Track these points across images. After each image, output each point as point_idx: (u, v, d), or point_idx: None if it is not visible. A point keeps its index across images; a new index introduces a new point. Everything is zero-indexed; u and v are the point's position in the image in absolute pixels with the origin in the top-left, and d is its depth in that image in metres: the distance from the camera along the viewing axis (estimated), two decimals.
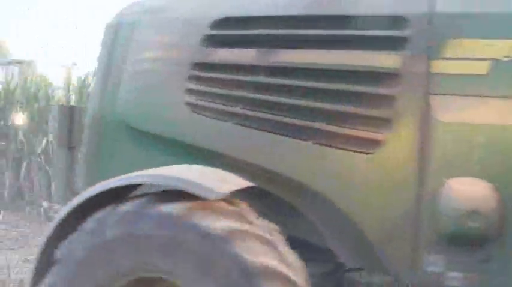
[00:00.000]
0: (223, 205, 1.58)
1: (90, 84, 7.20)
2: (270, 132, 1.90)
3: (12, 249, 4.92)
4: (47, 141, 6.60)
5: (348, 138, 1.81)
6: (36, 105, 6.90)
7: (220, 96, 1.98)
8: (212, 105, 1.99)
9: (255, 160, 1.92)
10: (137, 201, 1.58)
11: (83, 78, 7.30)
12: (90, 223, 1.58)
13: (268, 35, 1.95)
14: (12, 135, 6.80)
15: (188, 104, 2.02)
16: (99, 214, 1.59)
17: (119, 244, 1.53)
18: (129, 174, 1.69)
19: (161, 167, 1.74)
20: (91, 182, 2.18)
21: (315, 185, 1.84)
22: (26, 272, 4.34)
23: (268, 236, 1.55)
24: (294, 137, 1.87)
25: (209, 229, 1.47)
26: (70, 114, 2.36)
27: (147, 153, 2.11)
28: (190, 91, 2.02)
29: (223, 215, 1.53)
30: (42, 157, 6.59)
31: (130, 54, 2.16)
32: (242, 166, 1.88)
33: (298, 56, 1.90)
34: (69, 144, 2.34)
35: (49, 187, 6.52)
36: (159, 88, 2.10)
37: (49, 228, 1.69)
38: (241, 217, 1.56)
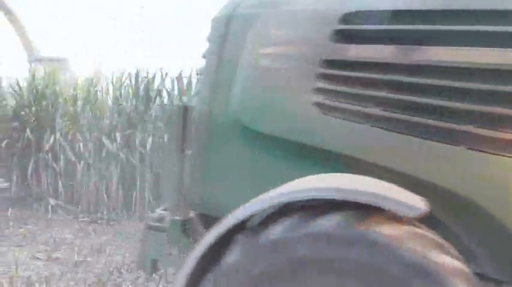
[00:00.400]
0: (417, 228, 1.42)
1: (96, 84, 7.22)
2: (413, 136, 1.72)
3: (20, 246, 4.93)
4: (55, 138, 6.63)
5: (506, 143, 1.64)
6: (44, 103, 6.92)
7: (354, 96, 1.82)
8: (345, 105, 1.82)
9: (396, 165, 1.74)
10: (330, 220, 1.40)
11: (92, 76, 7.32)
12: (271, 234, 1.42)
13: (407, 30, 1.78)
14: (19, 132, 6.83)
15: (317, 104, 1.85)
16: (284, 226, 1.42)
17: (309, 265, 1.38)
18: (295, 186, 1.51)
19: (314, 177, 1.59)
20: (198, 186, 2.11)
21: (466, 193, 1.66)
22: (34, 269, 4.36)
23: (470, 273, 1.41)
24: (442, 142, 1.69)
25: (426, 264, 1.31)
26: (184, 115, 2.19)
27: (264, 155, 1.95)
28: (319, 90, 1.86)
29: (431, 246, 1.37)
30: (50, 154, 6.61)
31: (247, 50, 1.99)
32: (378, 172, 1.72)
33: (445, 53, 1.72)
34: (184, 146, 2.19)
35: (56, 184, 6.55)
36: (282, 86, 1.94)
37: (208, 236, 1.54)
38: (444, 248, 1.41)
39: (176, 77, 6.79)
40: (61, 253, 4.78)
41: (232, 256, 1.46)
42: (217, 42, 2.09)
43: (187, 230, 2.15)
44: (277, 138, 1.92)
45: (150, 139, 6.27)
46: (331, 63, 1.85)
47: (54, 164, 6.55)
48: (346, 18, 1.85)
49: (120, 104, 6.76)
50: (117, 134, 6.41)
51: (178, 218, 2.17)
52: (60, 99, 6.95)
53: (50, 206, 6.28)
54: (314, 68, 1.87)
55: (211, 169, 2.08)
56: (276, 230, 1.43)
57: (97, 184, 6.43)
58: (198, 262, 1.52)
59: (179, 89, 6.77)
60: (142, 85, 6.88)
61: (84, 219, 6.05)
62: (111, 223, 6.00)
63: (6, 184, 6.00)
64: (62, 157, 6.54)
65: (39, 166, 6.61)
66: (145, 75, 6.95)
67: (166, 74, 6.86)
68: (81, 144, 6.53)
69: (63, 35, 16.25)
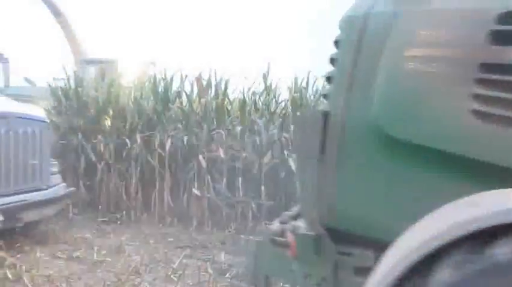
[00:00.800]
0: None
1: (118, 84, 7.29)
2: None
3: (42, 244, 5.02)
4: (77, 139, 6.72)
5: None
6: (67, 103, 7.04)
7: None
8: (506, 113, 1.66)
9: None
10: None
11: (115, 77, 7.41)
12: (498, 255, 1.27)
13: None
14: None
15: (474, 111, 1.69)
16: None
17: None
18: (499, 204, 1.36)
19: (503, 192, 1.44)
20: (331, 198, 1.97)
21: None
22: (54, 267, 4.43)
23: None
24: None
25: None
26: (324, 122, 1.99)
27: (409, 166, 1.81)
28: (476, 96, 1.69)
29: None
30: (72, 155, 6.71)
31: (389, 51, 1.84)
32: None
33: None
34: (320, 155, 2.00)
35: (77, 184, 6.63)
36: (432, 92, 1.78)
37: (401, 261, 1.38)
38: None
39: (196, 78, 6.83)
40: (81, 252, 4.84)
41: (446, 277, 1.31)
42: (351, 43, 1.95)
43: (319, 247, 2.01)
44: (425, 148, 1.76)
45: (169, 141, 6.31)
46: (490, 67, 1.69)
47: (76, 164, 6.65)
48: (503, 17, 1.69)
49: (140, 106, 6.82)
50: (138, 135, 6.47)
51: (311, 233, 2.01)
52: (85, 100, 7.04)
53: (71, 206, 6.37)
54: (470, 72, 1.71)
55: (347, 180, 1.95)
56: (503, 251, 1.27)
57: (117, 185, 6.50)
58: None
59: (198, 91, 6.81)
60: (161, 86, 6.95)
61: (104, 219, 6.12)
62: (130, 224, 6.07)
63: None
64: (83, 157, 6.64)
65: (61, 166, 6.71)
66: (163, 77, 7.01)
67: (186, 76, 6.91)
68: (102, 144, 6.61)
69: (113, 37, 16.46)
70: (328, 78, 2.13)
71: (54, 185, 5.22)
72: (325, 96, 2.21)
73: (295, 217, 2.30)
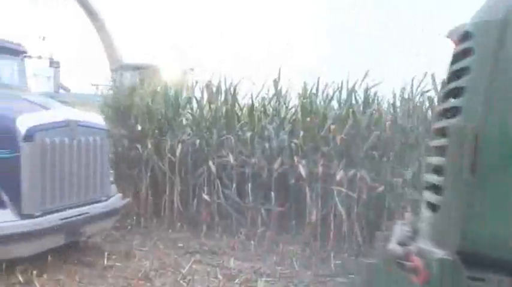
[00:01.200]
0: None
1: (132, 91, 7.33)
2: None
3: (53, 249, 5.04)
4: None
5: None
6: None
7: None
8: None
9: None
10: None
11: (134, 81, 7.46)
12: None
13: None
14: None
15: None
16: None
17: None
18: None
19: None
20: (476, 217, 1.82)
21: None
22: (65, 272, 4.45)
23: None
24: None
25: None
26: (475, 138, 1.84)
27: None
28: None
29: None
30: None
31: None
32: None
33: None
34: (469, 174, 1.86)
35: None
36: None
37: None
38: None
39: (205, 84, 6.85)
40: (91, 257, 4.87)
41: None
42: (488, 51, 1.82)
43: (456, 274, 1.82)
44: None
45: (179, 146, 6.33)
46: None
47: None
48: None
49: (155, 110, 6.84)
50: (148, 141, 6.50)
51: (449, 258, 1.83)
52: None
53: None
54: None
55: (492, 199, 1.82)
56: None
57: (127, 190, 6.53)
58: None
59: (208, 97, 6.83)
60: (172, 92, 6.98)
61: (115, 224, 6.14)
62: (140, 229, 6.09)
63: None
64: None
65: None
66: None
67: (197, 82, 6.94)
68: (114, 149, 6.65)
69: (154, 42, 16.42)
70: (457, 90, 2.00)
71: (113, 196, 5.06)
72: (452, 109, 2.05)
73: (413, 237, 2.15)
